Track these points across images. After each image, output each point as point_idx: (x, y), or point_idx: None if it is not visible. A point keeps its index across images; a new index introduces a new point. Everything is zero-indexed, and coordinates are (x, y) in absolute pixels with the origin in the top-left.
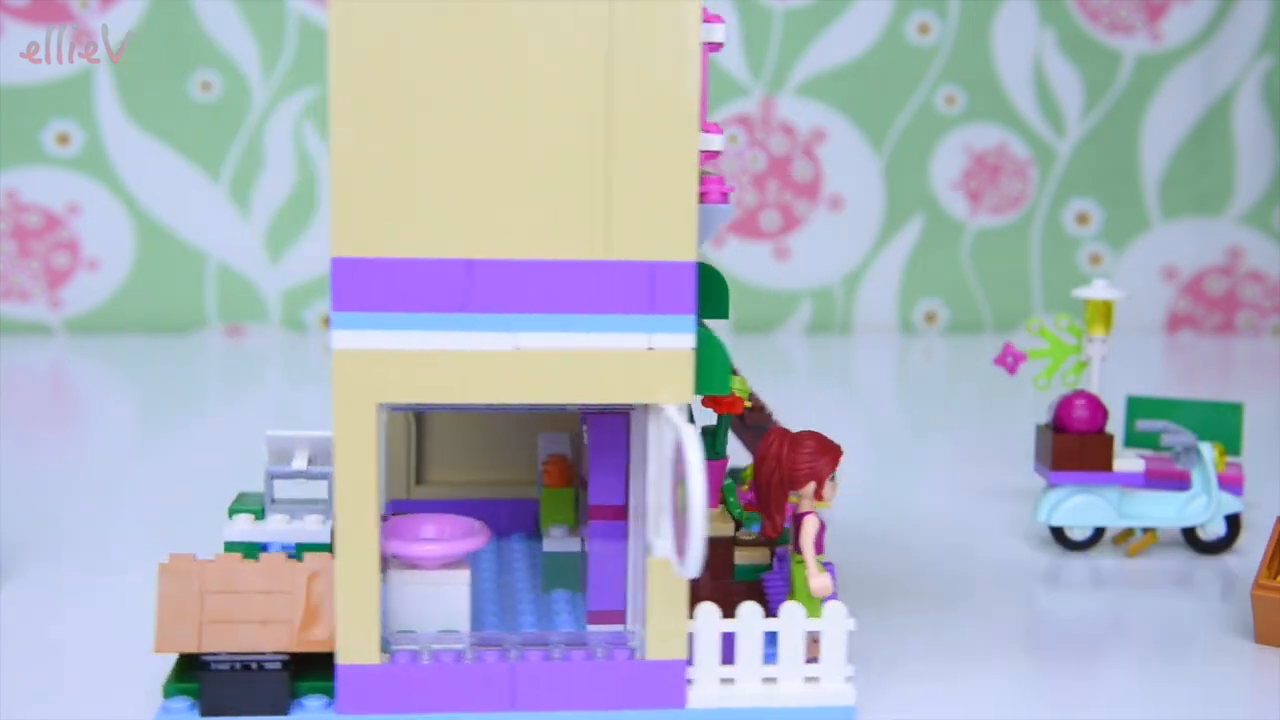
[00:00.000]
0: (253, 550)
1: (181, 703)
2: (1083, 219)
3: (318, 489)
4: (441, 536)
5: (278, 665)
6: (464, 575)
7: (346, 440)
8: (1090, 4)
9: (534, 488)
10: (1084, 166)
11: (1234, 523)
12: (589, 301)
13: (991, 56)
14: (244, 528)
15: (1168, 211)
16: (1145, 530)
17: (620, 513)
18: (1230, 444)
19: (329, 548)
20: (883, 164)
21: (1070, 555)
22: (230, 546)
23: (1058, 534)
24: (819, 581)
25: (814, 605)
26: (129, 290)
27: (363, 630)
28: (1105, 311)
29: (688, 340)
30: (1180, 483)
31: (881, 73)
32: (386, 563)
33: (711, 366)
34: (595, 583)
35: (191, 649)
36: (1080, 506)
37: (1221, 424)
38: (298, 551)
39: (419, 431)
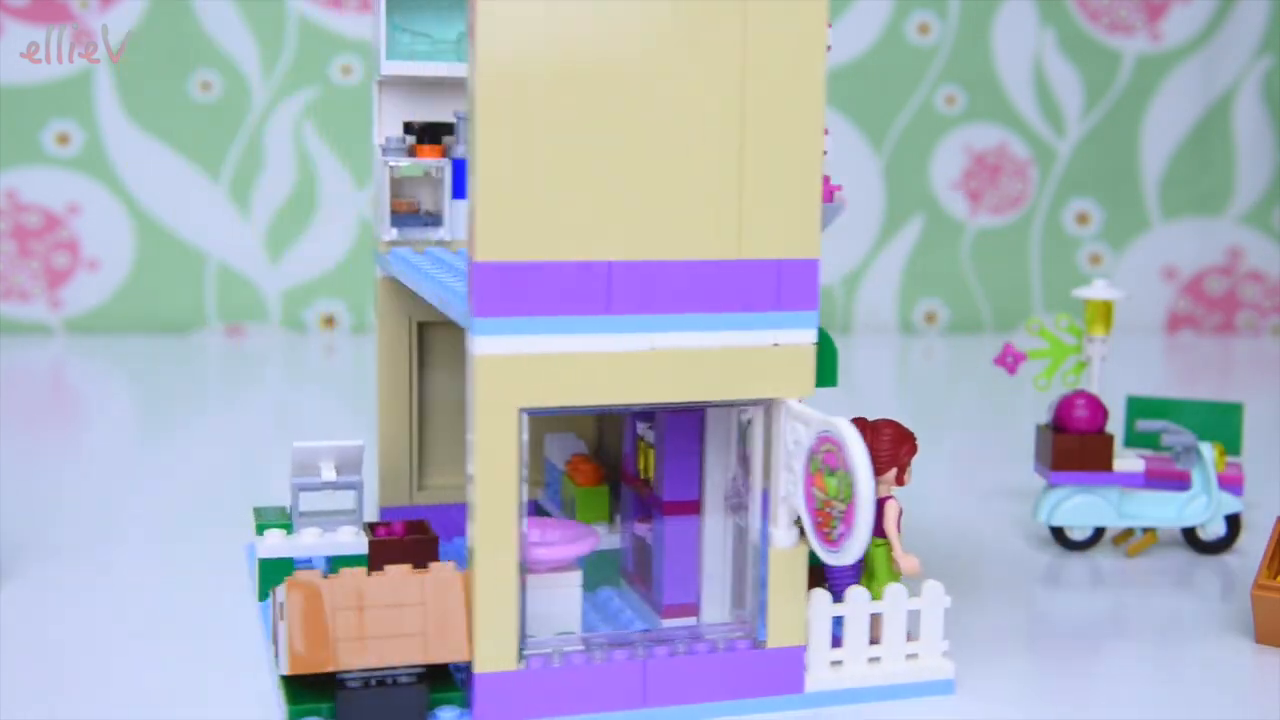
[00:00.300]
0: (289, 566)
1: None
2: (1083, 219)
3: (343, 500)
4: (547, 540)
5: (413, 679)
6: (576, 577)
7: (488, 446)
8: (1090, 4)
9: (538, 489)
10: (1084, 166)
11: (1234, 523)
12: (720, 300)
13: (991, 56)
14: (276, 543)
15: (1168, 211)
16: (1145, 530)
17: (694, 508)
18: (1230, 444)
19: (366, 560)
20: (883, 164)
21: (1070, 555)
22: (265, 564)
23: (1058, 534)
24: (909, 562)
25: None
26: (129, 290)
27: (500, 637)
28: (1105, 311)
29: (810, 336)
30: (1180, 483)
31: (881, 73)
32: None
33: (822, 361)
34: (670, 577)
35: (329, 668)
36: (1080, 506)
37: (1221, 424)
38: (334, 566)
39: (420, 438)
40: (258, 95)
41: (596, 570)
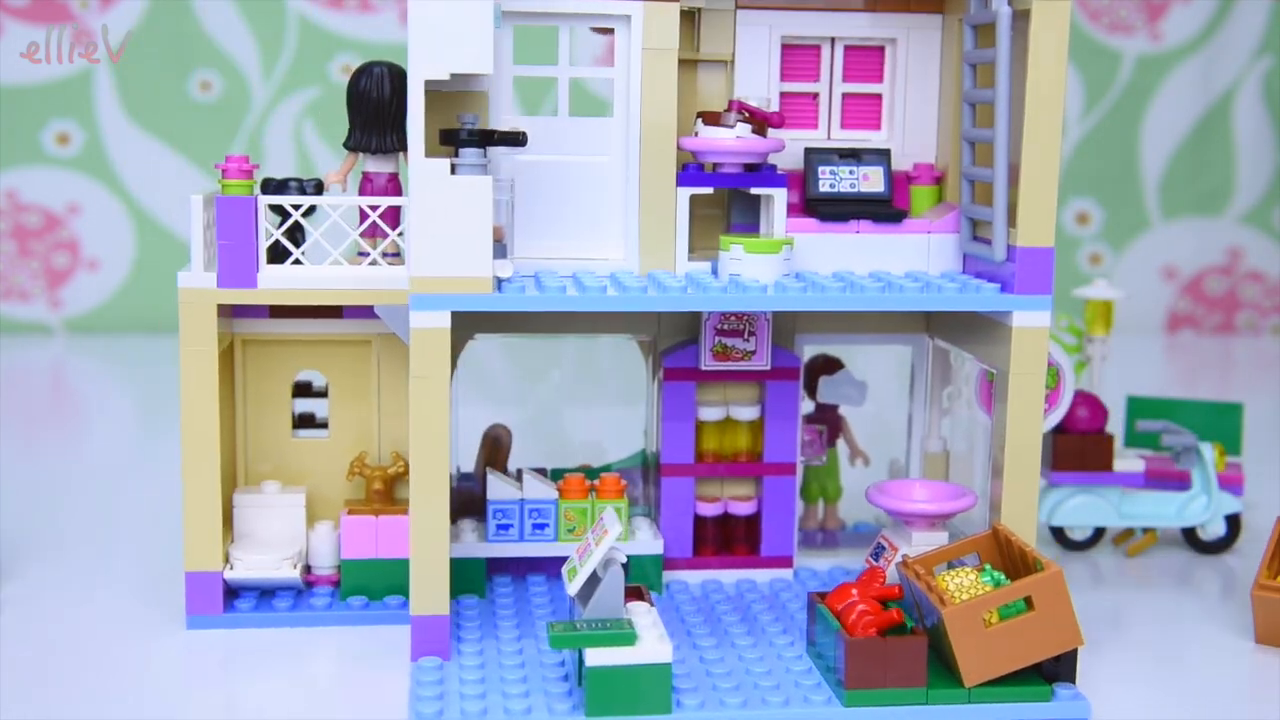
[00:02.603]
0: None
1: None
2: (1083, 219)
3: None
4: (934, 498)
5: None
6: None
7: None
8: (1090, 4)
9: None
10: (1084, 166)
11: (1234, 523)
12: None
13: None
14: None
15: (1168, 211)
16: (1145, 530)
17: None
18: (1230, 444)
19: None
20: None
21: (1070, 555)
22: None
23: (1058, 534)
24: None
25: None
26: (129, 290)
27: None
28: (1105, 311)
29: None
30: (1180, 483)
31: None
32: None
33: None
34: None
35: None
36: (1080, 506)
37: (1221, 424)
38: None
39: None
40: (258, 95)
41: None
